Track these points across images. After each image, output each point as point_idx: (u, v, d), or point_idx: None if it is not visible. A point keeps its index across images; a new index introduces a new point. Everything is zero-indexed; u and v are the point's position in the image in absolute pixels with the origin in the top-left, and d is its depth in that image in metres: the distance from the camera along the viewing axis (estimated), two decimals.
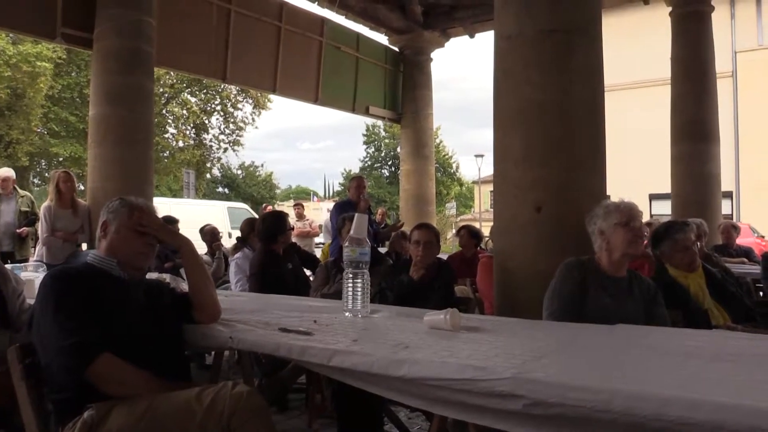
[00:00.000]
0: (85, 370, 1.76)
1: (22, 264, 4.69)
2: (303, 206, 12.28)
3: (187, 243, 2.27)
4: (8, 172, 6.49)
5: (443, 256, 4.61)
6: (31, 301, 2.47)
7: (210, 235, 6.85)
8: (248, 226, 5.38)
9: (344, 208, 5.95)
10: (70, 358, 1.77)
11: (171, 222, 5.81)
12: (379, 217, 7.67)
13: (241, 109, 28.63)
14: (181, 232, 6.11)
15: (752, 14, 20.11)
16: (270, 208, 10.27)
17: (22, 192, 6.51)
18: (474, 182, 40.19)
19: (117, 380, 1.80)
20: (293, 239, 5.30)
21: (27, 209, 6.34)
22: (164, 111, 25.99)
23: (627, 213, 2.57)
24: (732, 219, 15.45)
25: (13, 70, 19.45)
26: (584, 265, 2.60)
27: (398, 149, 16.48)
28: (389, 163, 43.65)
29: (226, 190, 45.56)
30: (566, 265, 2.63)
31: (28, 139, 21.59)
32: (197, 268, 2.26)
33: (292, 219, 7.66)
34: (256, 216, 13.74)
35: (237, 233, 6.51)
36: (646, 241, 3.55)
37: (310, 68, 9.88)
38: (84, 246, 5.98)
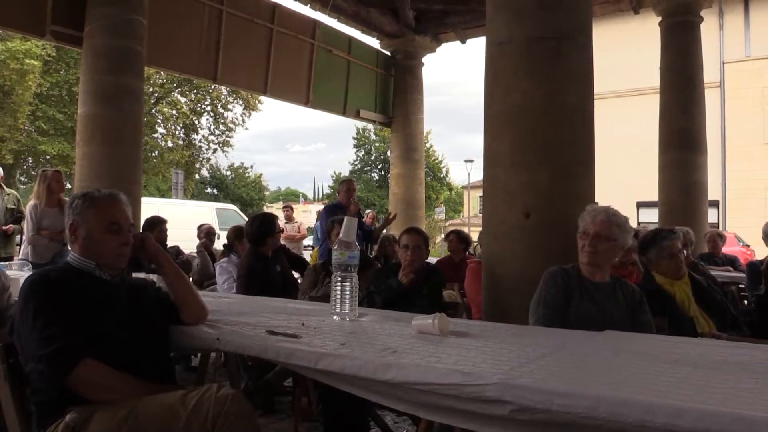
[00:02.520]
0: (64, 378, 1.73)
1: (6, 262, 4.64)
2: (292, 208, 12.25)
3: (163, 255, 2.22)
4: None
5: (431, 260, 4.62)
6: (16, 298, 2.44)
7: (205, 233, 7.01)
8: (234, 234, 5.44)
9: (334, 211, 5.95)
10: (50, 367, 1.73)
11: (159, 222, 5.78)
12: (369, 220, 7.67)
13: (231, 110, 28.56)
14: (168, 232, 6.12)
15: (740, 25, 20.35)
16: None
17: (7, 190, 6.45)
18: (463, 187, 40.32)
19: (99, 386, 1.77)
20: (281, 242, 5.29)
21: (13, 207, 6.28)
22: (154, 111, 25.84)
23: (586, 223, 2.58)
24: (718, 228, 15.60)
25: (0, 67, 19.27)
26: (567, 273, 2.62)
27: (388, 153, 16.46)
28: (379, 166, 43.65)
29: (215, 191, 45.35)
30: (549, 273, 2.65)
31: (14, 136, 21.38)
32: (177, 275, 2.22)
33: (281, 221, 7.66)
34: (245, 218, 13.73)
35: (225, 234, 6.56)
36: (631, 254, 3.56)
37: (302, 70, 9.87)
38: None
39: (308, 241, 13.38)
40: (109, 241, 2.00)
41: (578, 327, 2.32)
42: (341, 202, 6.27)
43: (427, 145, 37.05)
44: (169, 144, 27.28)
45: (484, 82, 3.56)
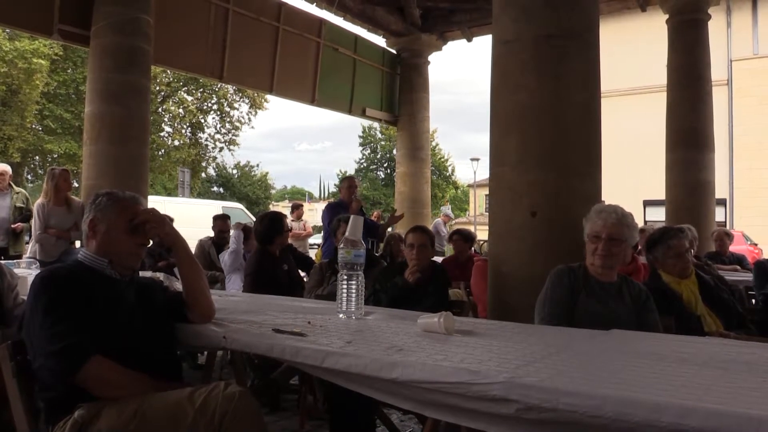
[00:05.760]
0: (74, 374, 1.74)
1: (14, 260, 4.67)
2: (302, 207, 12.28)
3: (181, 242, 2.22)
4: (4, 167, 6.47)
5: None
6: (24, 297, 2.46)
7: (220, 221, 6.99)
8: (243, 232, 5.57)
9: (336, 209, 5.95)
10: (59, 363, 1.74)
11: None
12: (375, 218, 7.67)
13: (238, 109, 28.60)
14: None
15: (748, 23, 20.24)
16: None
17: (16, 188, 6.49)
18: (469, 185, 40.27)
19: (108, 383, 1.79)
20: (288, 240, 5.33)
21: (22, 205, 6.33)
22: (160, 109, 25.92)
23: (597, 226, 2.56)
24: (725, 226, 15.52)
25: (8, 66, 19.37)
26: (574, 272, 2.61)
27: (394, 151, 16.46)
28: (385, 165, 43.59)
29: (221, 190, 45.45)
30: (556, 272, 2.64)
31: (21, 135, 21.48)
32: (192, 267, 2.23)
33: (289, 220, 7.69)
34: (252, 216, 13.77)
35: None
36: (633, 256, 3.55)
37: (308, 69, 9.89)
38: (78, 243, 5.96)
39: (314, 239, 13.39)
40: (127, 239, 2.03)
41: (584, 326, 2.31)
42: (343, 200, 6.25)
43: (433, 143, 36.97)
44: (176, 142, 27.35)
45: (491, 81, 3.55)
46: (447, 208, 11.80)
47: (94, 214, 2.04)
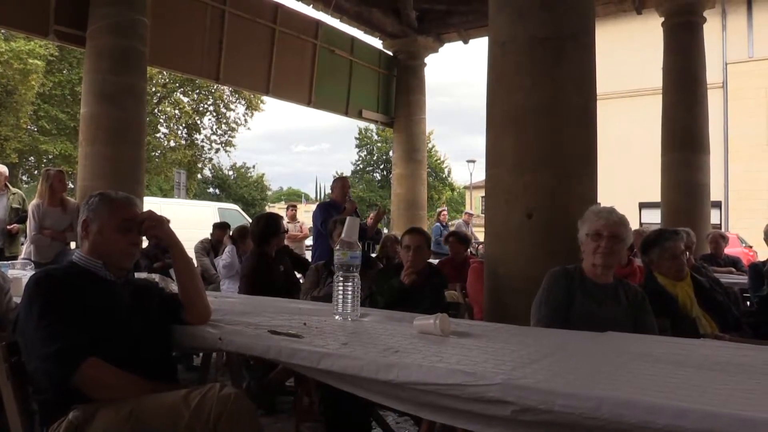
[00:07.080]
0: (70, 376, 1.73)
1: (9, 262, 4.65)
2: (296, 208, 12.26)
3: (177, 243, 2.22)
4: (1, 167, 6.44)
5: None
6: (17, 299, 2.45)
7: (219, 230, 7.12)
8: (238, 233, 5.69)
9: (327, 209, 5.88)
10: (54, 365, 1.74)
11: None
12: (370, 221, 7.65)
13: (234, 110, 28.56)
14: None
15: (743, 26, 20.29)
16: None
17: (13, 189, 6.45)
18: (465, 187, 40.28)
19: (103, 385, 1.78)
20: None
21: (18, 206, 6.29)
22: (156, 110, 25.84)
23: (599, 225, 2.56)
24: (720, 229, 15.57)
25: (4, 67, 19.31)
26: (570, 273, 2.62)
27: (390, 153, 16.53)
28: (381, 167, 43.57)
29: (217, 191, 45.36)
30: (552, 274, 2.64)
31: (17, 136, 21.40)
32: (188, 269, 2.23)
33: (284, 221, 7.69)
34: (248, 218, 13.74)
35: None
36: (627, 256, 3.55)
37: (304, 71, 9.89)
38: (73, 244, 5.95)
39: (310, 241, 13.37)
40: (119, 239, 2.03)
41: (580, 328, 2.31)
42: (335, 201, 6.17)
43: (430, 145, 36.96)
44: (172, 144, 27.26)
45: (487, 82, 3.56)
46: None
47: (87, 214, 2.05)
